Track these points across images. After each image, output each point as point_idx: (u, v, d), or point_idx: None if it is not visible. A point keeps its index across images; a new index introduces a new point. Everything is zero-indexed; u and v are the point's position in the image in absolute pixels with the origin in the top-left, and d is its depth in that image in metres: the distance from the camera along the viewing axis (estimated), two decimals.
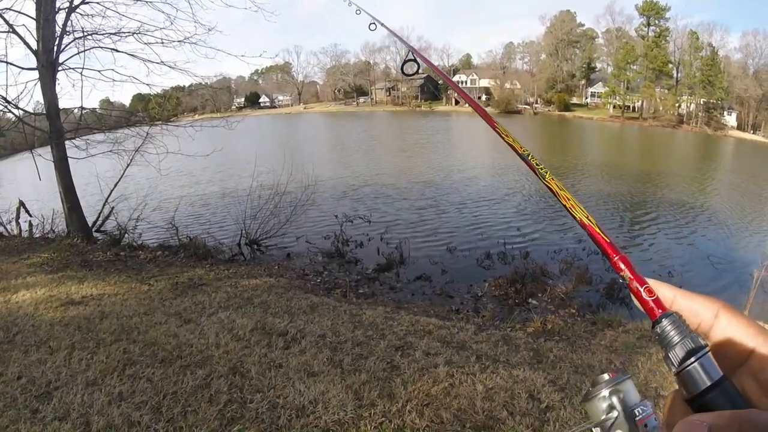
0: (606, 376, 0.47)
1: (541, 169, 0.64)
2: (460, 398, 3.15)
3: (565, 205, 0.59)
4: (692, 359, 0.40)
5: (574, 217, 0.57)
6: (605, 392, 0.46)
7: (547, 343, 4.66)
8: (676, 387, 0.43)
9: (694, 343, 0.41)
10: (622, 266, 0.49)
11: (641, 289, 0.47)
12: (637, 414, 0.44)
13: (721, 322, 0.44)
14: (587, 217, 0.55)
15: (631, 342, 4.66)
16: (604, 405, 0.46)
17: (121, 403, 3.01)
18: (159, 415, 2.89)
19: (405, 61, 1.24)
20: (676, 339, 0.42)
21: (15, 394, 3.14)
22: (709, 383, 0.39)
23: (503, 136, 0.71)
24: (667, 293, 0.47)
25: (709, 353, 0.41)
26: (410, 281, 8.54)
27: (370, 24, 1.72)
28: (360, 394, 3.17)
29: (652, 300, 0.46)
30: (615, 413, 0.45)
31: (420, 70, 1.25)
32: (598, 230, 0.53)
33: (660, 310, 0.45)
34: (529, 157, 0.66)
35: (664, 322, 0.44)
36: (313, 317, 5.02)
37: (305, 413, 2.91)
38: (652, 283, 0.47)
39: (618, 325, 5.47)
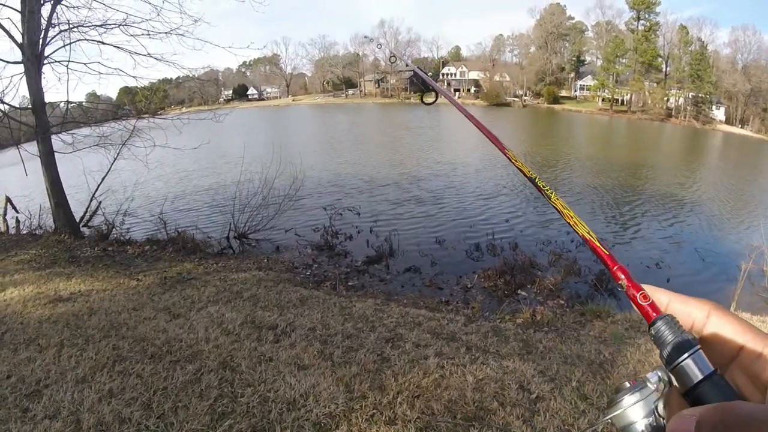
0: (627, 384, 0.49)
1: (548, 190, 0.69)
2: (450, 389, 3.17)
3: (569, 223, 0.63)
4: (685, 355, 0.43)
5: (577, 233, 0.61)
6: (628, 399, 0.48)
7: (537, 334, 4.71)
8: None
9: (687, 342, 0.44)
10: (621, 275, 0.52)
11: (637, 295, 0.50)
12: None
13: (712, 321, 0.47)
14: (588, 233, 0.59)
15: (620, 333, 4.72)
16: (628, 411, 0.48)
17: (112, 399, 2.99)
18: (150, 411, 2.87)
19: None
20: (670, 338, 0.45)
21: (5, 393, 3.11)
22: (701, 377, 0.42)
23: (513, 161, 0.78)
24: (662, 298, 0.50)
25: (701, 350, 0.44)
26: (400, 273, 8.55)
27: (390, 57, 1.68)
28: (351, 387, 3.18)
29: (648, 304, 0.49)
30: (637, 419, 0.47)
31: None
32: (598, 244, 0.57)
33: (655, 313, 0.48)
34: (536, 180, 0.71)
35: (659, 323, 0.47)
36: (303, 310, 5.02)
37: (296, 407, 2.92)
38: (648, 288, 0.51)
39: (607, 315, 5.54)
